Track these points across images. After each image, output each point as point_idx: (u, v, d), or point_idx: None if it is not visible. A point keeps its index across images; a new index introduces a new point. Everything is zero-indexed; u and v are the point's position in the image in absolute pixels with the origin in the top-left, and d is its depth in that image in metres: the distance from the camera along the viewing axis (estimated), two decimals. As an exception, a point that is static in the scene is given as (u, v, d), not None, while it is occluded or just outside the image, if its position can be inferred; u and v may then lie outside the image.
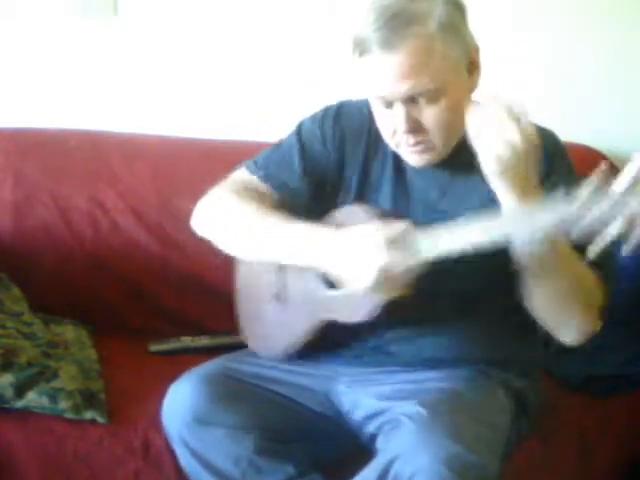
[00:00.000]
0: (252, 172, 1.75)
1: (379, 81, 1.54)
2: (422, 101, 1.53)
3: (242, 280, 1.86)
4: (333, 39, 2.41)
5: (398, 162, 1.67)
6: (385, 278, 1.46)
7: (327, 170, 1.72)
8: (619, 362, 1.89)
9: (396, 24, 1.50)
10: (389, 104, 1.56)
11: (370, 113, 1.66)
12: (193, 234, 2.24)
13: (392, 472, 1.46)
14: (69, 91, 2.46)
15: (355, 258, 1.49)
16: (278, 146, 1.79)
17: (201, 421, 1.63)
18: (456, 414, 1.52)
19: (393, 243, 1.46)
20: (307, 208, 1.71)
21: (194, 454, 1.66)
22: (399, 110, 1.54)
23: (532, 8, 2.37)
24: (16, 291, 2.10)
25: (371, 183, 1.70)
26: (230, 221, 1.70)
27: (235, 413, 1.64)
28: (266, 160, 1.76)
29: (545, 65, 2.39)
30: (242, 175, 1.76)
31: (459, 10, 1.56)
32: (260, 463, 1.63)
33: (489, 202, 1.57)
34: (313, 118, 1.76)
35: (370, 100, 1.62)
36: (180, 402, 1.65)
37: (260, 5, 2.42)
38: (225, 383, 1.68)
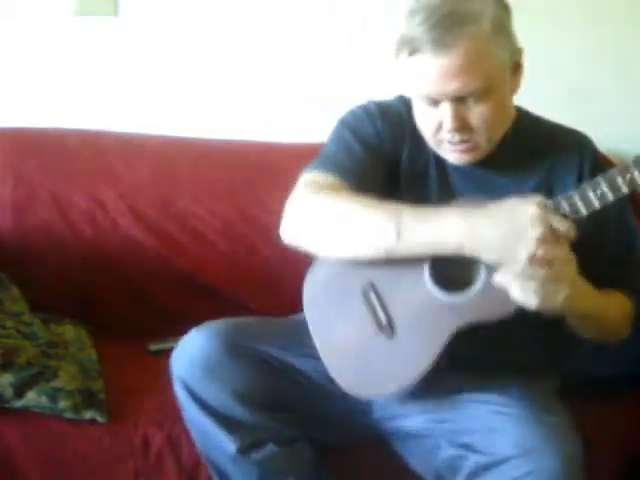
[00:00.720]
0: (319, 170, 1.64)
1: (429, 80, 1.53)
2: (470, 100, 1.54)
3: (315, 318, 1.66)
4: (333, 39, 2.41)
5: (440, 162, 1.67)
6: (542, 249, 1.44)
7: (386, 155, 1.67)
8: (619, 362, 1.89)
9: (450, 24, 1.50)
10: (435, 102, 1.56)
11: (409, 113, 1.66)
12: (193, 234, 2.26)
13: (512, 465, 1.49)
14: (69, 91, 2.46)
15: (513, 233, 1.45)
16: (328, 145, 1.71)
17: (208, 374, 1.62)
18: (542, 408, 1.57)
19: (544, 211, 1.45)
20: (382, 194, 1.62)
21: (195, 397, 1.64)
22: (446, 108, 1.55)
23: (531, 7, 2.37)
24: (16, 291, 2.09)
25: (418, 182, 1.69)
26: (343, 223, 1.57)
27: (244, 375, 1.63)
28: (325, 158, 1.68)
29: (546, 65, 2.39)
30: (310, 177, 1.64)
31: (507, 11, 1.58)
32: (258, 420, 1.63)
33: None
34: (354, 115, 1.71)
35: (413, 97, 1.62)
36: (192, 350, 1.65)
37: (260, 5, 2.42)
38: (240, 343, 1.66)
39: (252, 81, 2.45)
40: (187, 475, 1.78)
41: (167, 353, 2.08)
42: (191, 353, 1.65)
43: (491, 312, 1.53)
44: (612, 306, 1.61)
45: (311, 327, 1.66)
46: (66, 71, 2.45)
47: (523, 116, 1.70)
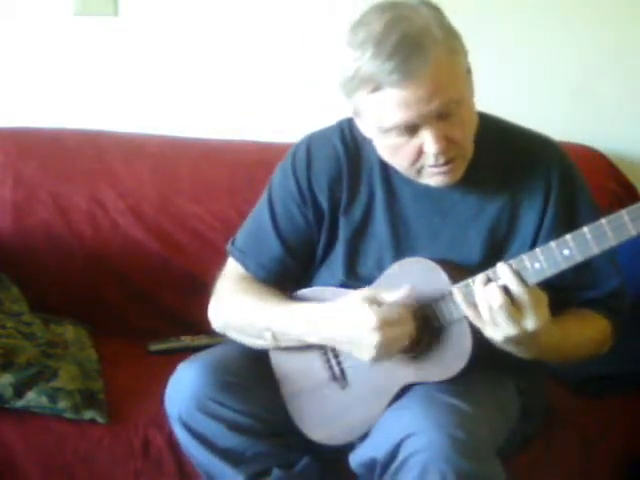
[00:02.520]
0: (236, 260, 1.73)
1: (403, 110, 1.43)
2: (449, 115, 1.45)
3: (279, 369, 1.72)
4: (333, 39, 2.40)
5: (389, 187, 1.61)
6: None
7: (311, 226, 1.66)
8: (618, 362, 1.89)
9: (407, 51, 1.40)
10: (412, 130, 1.46)
11: (343, 143, 1.62)
12: (193, 234, 2.26)
13: (403, 450, 1.46)
14: (69, 91, 2.46)
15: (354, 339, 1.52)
16: (253, 219, 1.73)
17: (202, 410, 1.62)
18: (466, 395, 1.51)
19: (387, 322, 1.48)
20: (303, 268, 1.70)
21: (195, 435, 1.64)
22: (427, 132, 1.45)
23: (531, 7, 2.37)
24: (16, 291, 2.10)
25: (361, 218, 1.64)
26: (239, 326, 1.70)
27: (237, 406, 1.63)
28: (244, 242, 1.73)
29: (546, 65, 2.39)
30: (233, 265, 1.74)
31: (443, 14, 1.49)
32: (259, 448, 1.64)
33: (496, 224, 1.57)
34: (284, 172, 1.68)
35: (378, 133, 1.51)
36: (184, 388, 1.64)
37: (260, 5, 2.42)
38: (232, 373, 1.66)
39: (252, 81, 2.45)
40: (187, 476, 1.78)
41: (167, 353, 2.10)
42: (182, 391, 1.63)
43: (437, 374, 1.53)
44: (584, 331, 1.59)
45: (276, 372, 1.71)
46: (66, 71, 2.45)
47: (484, 122, 1.57)
